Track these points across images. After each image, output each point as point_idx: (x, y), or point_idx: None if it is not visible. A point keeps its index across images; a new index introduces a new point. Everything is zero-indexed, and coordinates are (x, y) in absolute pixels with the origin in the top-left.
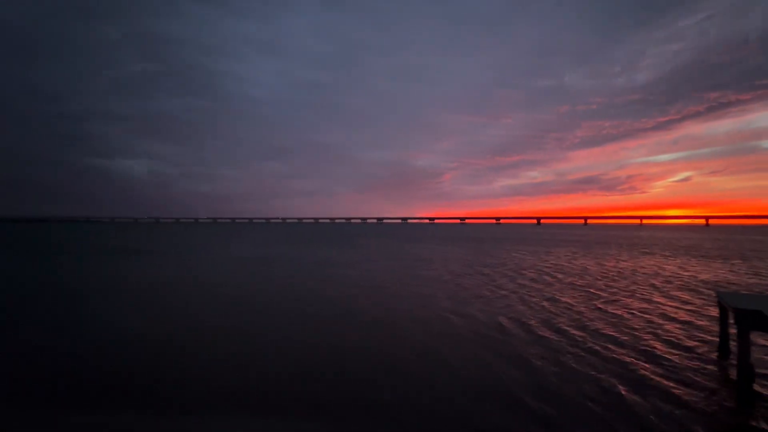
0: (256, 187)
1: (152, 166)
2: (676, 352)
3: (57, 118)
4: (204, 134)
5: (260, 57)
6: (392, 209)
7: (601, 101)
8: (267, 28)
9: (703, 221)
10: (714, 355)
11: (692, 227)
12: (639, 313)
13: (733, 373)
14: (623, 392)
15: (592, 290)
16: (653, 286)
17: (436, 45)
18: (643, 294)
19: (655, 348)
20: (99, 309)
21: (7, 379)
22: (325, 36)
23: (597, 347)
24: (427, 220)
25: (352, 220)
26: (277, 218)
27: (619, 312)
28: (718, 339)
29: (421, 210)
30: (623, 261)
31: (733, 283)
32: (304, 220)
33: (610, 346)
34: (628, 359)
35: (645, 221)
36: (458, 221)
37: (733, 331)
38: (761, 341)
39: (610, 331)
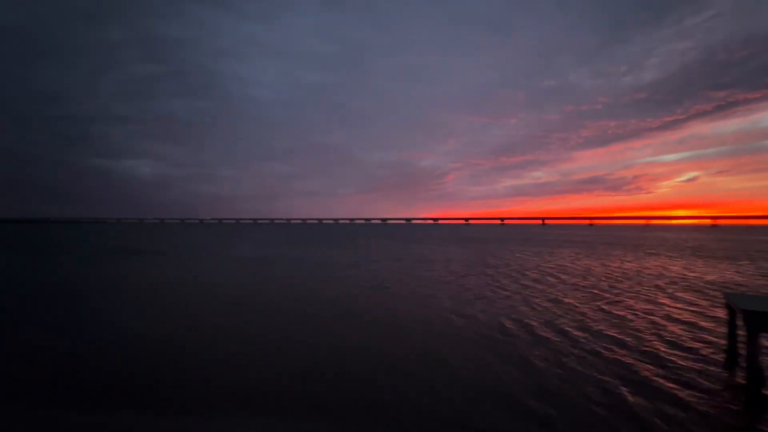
0: (260, 188)
1: (156, 167)
2: (681, 353)
3: (59, 119)
4: (206, 135)
5: (262, 58)
6: (396, 210)
7: (606, 101)
8: (268, 29)
9: (709, 221)
10: (720, 357)
11: (699, 228)
12: (643, 315)
13: (741, 376)
14: (626, 394)
15: (595, 291)
16: (658, 287)
17: (437, 45)
18: (647, 295)
19: (658, 349)
20: (99, 309)
21: (7, 378)
22: (326, 36)
23: (599, 348)
24: (430, 221)
25: (356, 221)
26: (281, 219)
27: (622, 313)
28: (723, 341)
29: (424, 211)
30: (628, 262)
31: (741, 285)
32: (308, 221)
33: (613, 347)
34: (630, 360)
35: (651, 222)
36: (462, 222)
37: (741, 333)
38: None
39: (613, 333)
